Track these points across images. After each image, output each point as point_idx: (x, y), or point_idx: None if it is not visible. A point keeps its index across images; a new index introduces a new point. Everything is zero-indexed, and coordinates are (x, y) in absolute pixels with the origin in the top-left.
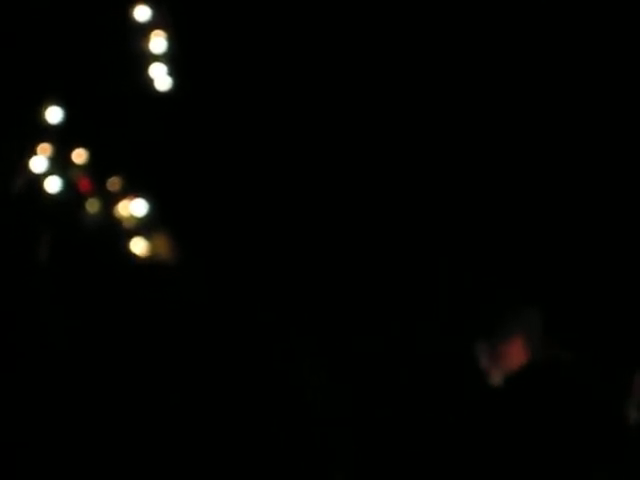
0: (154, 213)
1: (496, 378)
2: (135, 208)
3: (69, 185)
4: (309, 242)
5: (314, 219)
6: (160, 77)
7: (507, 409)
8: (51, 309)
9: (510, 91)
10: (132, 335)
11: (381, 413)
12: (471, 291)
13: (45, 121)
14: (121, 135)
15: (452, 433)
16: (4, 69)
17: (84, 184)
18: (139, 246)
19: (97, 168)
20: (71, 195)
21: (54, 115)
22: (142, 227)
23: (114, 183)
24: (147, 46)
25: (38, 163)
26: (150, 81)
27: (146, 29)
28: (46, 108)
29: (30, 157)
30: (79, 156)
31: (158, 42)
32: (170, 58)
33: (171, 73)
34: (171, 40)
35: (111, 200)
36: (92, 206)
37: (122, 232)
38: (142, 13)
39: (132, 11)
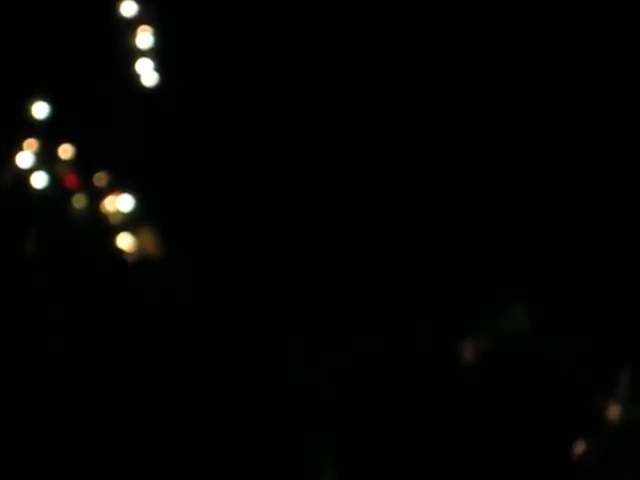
0: (141, 209)
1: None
2: (122, 204)
3: (55, 180)
4: (301, 240)
5: (306, 216)
6: (147, 73)
7: (495, 406)
8: (38, 305)
9: (509, 91)
10: (119, 331)
11: (373, 412)
12: (463, 290)
13: (31, 116)
14: (108, 130)
15: (444, 432)
16: None
17: (70, 179)
18: (126, 242)
19: (83, 163)
20: (57, 190)
21: (40, 110)
22: (129, 223)
23: (101, 178)
24: (134, 41)
25: (24, 158)
26: (137, 77)
27: (132, 24)
28: (32, 103)
29: (16, 152)
30: (65, 151)
31: (145, 37)
32: (157, 53)
33: (158, 69)
34: (158, 35)
35: (97, 195)
36: (78, 201)
37: (109, 228)
38: (128, 8)
39: (118, 6)
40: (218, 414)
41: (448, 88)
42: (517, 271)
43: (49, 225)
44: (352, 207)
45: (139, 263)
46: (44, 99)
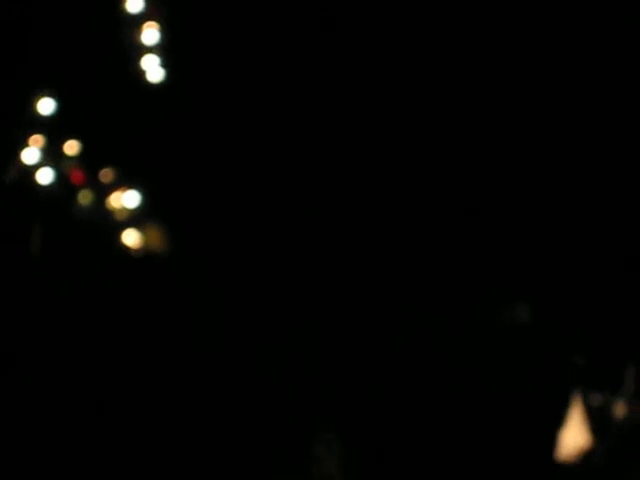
0: (146, 205)
1: None
2: (127, 200)
3: (61, 177)
4: (304, 238)
5: (308, 215)
6: (153, 69)
7: (494, 403)
8: (46, 300)
9: (506, 91)
10: (125, 326)
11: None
12: (463, 288)
13: (37, 113)
14: (113, 127)
15: (440, 428)
16: None
17: (76, 176)
18: (131, 238)
19: (89, 160)
20: (63, 187)
21: (46, 107)
22: (134, 219)
23: (106, 175)
24: (139, 38)
25: (30, 154)
26: (142, 73)
27: (139, 20)
28: (38, 100)
29: (22, 149)
30: (71, 148)
31: (151, 33)
32: (163, 50)
33: (164, 65)
34: (164, 32)
35: (103, 192)
36: (84, 198)
37: (114, 224)
38: (135, 4)
39: (125, 2)
40: (222, 407)
41: (448, 88)
42: (520, 268)
43: (55, 221)
44: (347, 207)
45: (145, 259)
46: (50, 95)
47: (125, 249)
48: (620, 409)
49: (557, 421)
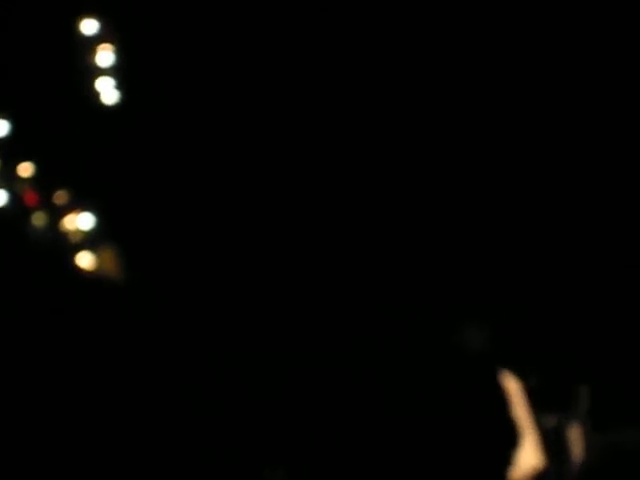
0: (101, 227)
1: None
2: (81, 222)
3: (15, 198)
4: (264, 257)
5: (269, 231)
6: (107, 90)
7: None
8: None
9: (503, 91)
10: (77, 348)
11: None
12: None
13: None
14: (68, 149)
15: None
16: None
17: (30, 197)
18: (85, 260)
19: (43, 181)
20: (17, 208)
21: (0, 128)
22: (88, 241)
23: (60, 197)
24: (94, 59)
25: None
26: (97, 94)
27: (93, 42)
28: None
29: None
30: (25, 169)
31: (105, 55)
32: (117, 71)
33: (118, 86)
34: (118, 53)
35: (57, 213)
36: (38, 219)
37: (68, 246)
38: (89, 26)
39: (79, 24)
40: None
41: (448, 88)
42: (474, 287)
43: (9, 243)
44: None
45: (99, 281)
46: (4, 117)
47: (79, 271)
48: (574, 430)
49: (511, 442)
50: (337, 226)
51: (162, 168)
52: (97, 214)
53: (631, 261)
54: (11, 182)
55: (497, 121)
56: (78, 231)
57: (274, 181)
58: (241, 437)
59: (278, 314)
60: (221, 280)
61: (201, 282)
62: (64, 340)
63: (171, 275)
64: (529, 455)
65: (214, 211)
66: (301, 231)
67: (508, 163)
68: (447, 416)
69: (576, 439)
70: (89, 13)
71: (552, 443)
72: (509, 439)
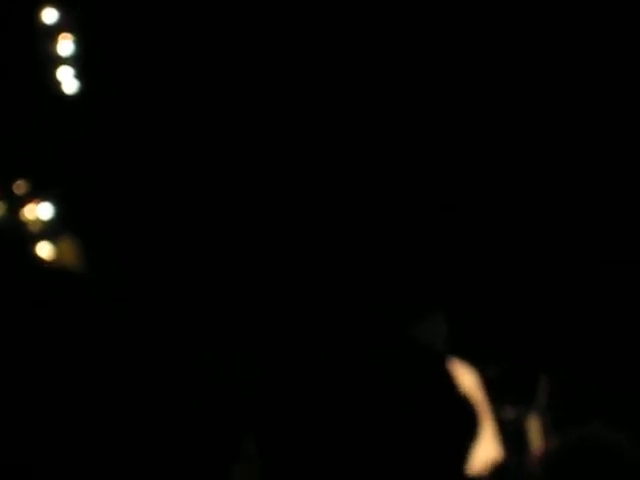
0: (60, 217)
1: None
2: (41, 212)
3: None
4: (221, 243)
5: (225, 220)
6: (67, 80)
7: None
8: None
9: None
10: (39, 339)
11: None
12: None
13: None
14: (27, 138)
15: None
16: None
17: None
18: (45, 250)
19: (2, 172)
20: None
21: None
22: (48, 231)
23: (20, 186)
24: (54, 49)
25: None
26: (57, 84)
27: (54, 32)
28: None
29: None
30: None
31: (65, 45)
32: (77, 61)
33: (78, 76)
34: (78, 43)
35: (17, 203)
36: None
37: (28, 236)
38: (50, 15)
39: (40, 14)
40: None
41: (448, 88)
42: (435, 279)
43: None
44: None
45: (58, 271)
46: None
47: (39, 261)
48: (533, 422)
49: (469, 435)
50: (327, 224)
51: (121, 157)
52: (56, 204)
53: (590, 250)
54: None
55: (496, 121)
56: (38, 221)
57: (251, 166)
58: (231, 433)
59: (265, 308)
60: (187, 268)
61: (167, 272)
62: (24, 331)
63: (133, 263)
64: (487, 448)
65: (179, 199)
66: (292, 225)
67: (492, 161)
68: (403, 410)
69: (535, 431)
70: (49, 3)
71: (511, 435)
72: (467, 432)
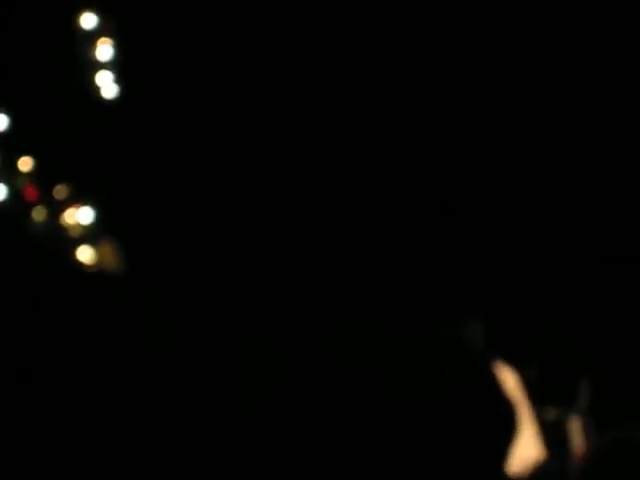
0: (100, 221)
1: None
2: (81, 216)
3: (15, 193)
4: (261, 253)
5: (263, 229)
6: (107, 85)
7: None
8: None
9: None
10: (80, 343)
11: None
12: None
13: None
14: (67, 143)
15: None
16: None
17: (30, 192)
18: (86, 254)
19: (43, 176)
20: (17, 203)
21: (0, 123)
22: (89, 235)
23: (60, 191)
24: (94, 53)
25: None
26: (97, 89)
27: (93, 36)
28: None
29: None
30: (25, 164)
31: (105, 49)
32: (117, 66)
33: (118, 81)
34: (118, 47)
35: (57, 208)
36: (38, 214)
37: (69, 240)
38: (89, 20)
39: (79, 18)
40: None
41: (448, 88)
42: (469, 283)
43: (9, 237)
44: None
45: (99, 276)
46: (3, 111)
47: (80, 266)
48: (574, 423)
49: (510, 435)
50: (327, 224)
51: (161, 163)
52: (97, 208)
53: (632, 256)
54: (11, 177)
55: (496, 121)
56: (78, 225)
57: (272, 179)
58: (234, 432)
59: (277, 308)
60: (220, 275)
61: (200, 277)
62: (65, 335)
63: (170, 270)
64: (528, 447)
65: (213, 207)
66: (292, 226)
67: (494, 161)
68: (446, 410)
69: (577, 433)
70: (88, 7)
71: (553, 436)
72: (508, 432)
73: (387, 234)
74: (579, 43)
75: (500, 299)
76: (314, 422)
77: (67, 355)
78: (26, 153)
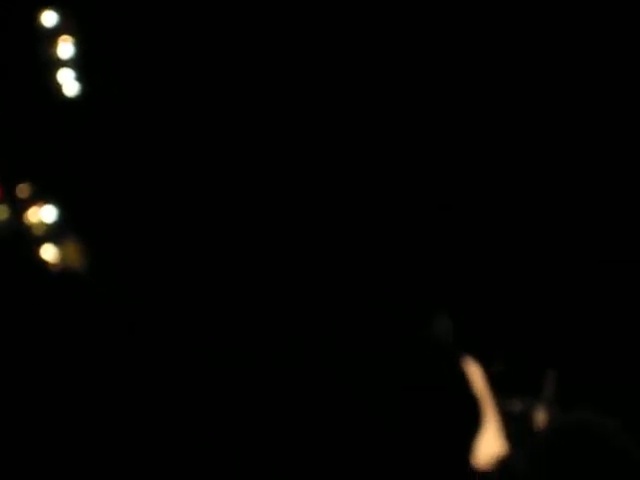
0: (64, 220)
1: None
2: (45, 214)
3: None
4: (225, 248)
5: (227, 223)
6: (68, 82)
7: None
8: None
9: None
10: (44, 341)
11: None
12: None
13: None
14: (30, 141)
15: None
16: None
17: None
18: (49, 253)
19: (6, 175)
20: None
21: None
22: (52, 234)
23: (23, 190)
24: (54, 52)
25: None
26: (58, 86)
27: (53, 35)
28: None
29: None
30: None
31: (65, 47)
32: (78, 63)
33: (79, 78)
34: (78, 45)
35: (20, 207)
36: (1, 213)
37: (32, 239)
38: (49, 19)
39: (39, 17)
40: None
41: (448, 88)
42: (439, 275)
43: None
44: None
45: (63, 274)
46: None
47: (43, 264)
48: (540, 415)
49: (473, 429)
50: (310, 223)
51: (123, 159)
52: (60, 207)
53: (595, 247)
54: None
55: (497, 121)
56: (41, 224)
57: (240, 163)
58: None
59: (253, 308)
60: (186, 271)
61: (165, 274)
62: (28, 333)
63: (134, 267)
64: (491, 441)
65: (179, 203)
66: (278, 223)
67: (493, 158)
68: (410, 405)
69: (543, 423)
70: (49, 6)
71: (519, 427)
72: (471, 426)
73: (354, 230)
74: (579, 43)
75: (466, 294)
76: (286, 423)
77: (29, 353)
78: None
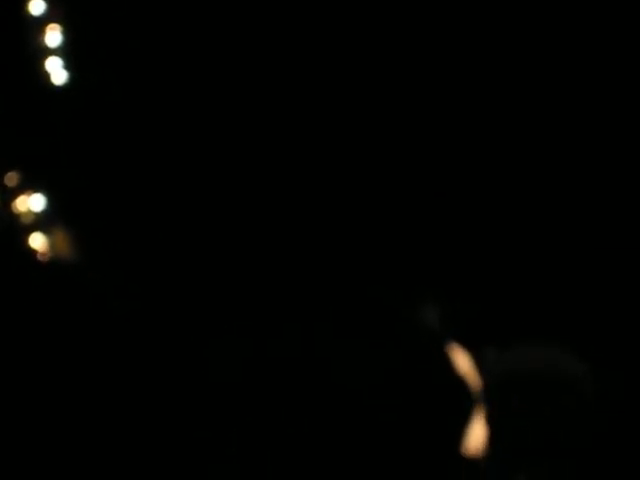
0: (53, 208)
1: None
2: (33, 203)
3: None
4: (219, 236)
5: (220, 217)
6: (56, 71)
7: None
8: None
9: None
10: (33, 330)
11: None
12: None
13: None
14: (17, 130)
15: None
16: None
17: None
18: (38, 242)
19: None
20: None
21: None
22: (41, 222)
23: (11, 178)
24: (42, 40)
25: None
26: (46, 75)
27: (41, 23)
28: None
29: None
30: None
31: (54, 36)
32: (66, 52)
33: (67, 67)
34: (67, 34)
35: (9, 196)
36: None
37: (20, 227)
38: (37, 6)
39: (27, 5)
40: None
41: (448, 88)
42: (428, 264)
43: None
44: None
45: (51, 263)
46: None
47: (32, 253)
48: None
49: (463, 417)
50: (304, 213)
51: (112, 149)
52: (49, 195)
53: (572, 240)
54: None
55: (496, 120)
56: (30, 213)
57: (243, 158)
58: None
59: (243, 299)
60: (180, 259)
61: (158, 262)
62: (18, 321)
63: (126, 256)
64: (480, 429)
65: (170, 190)
66: (272, 212)
67: (486, 154)
68: (400, 392)
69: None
70: None
71: None
72: (461, 414)
73: (346, 220)
74: (579, 43)
75: (454, 281)
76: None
77: (20, 342)
78: None
